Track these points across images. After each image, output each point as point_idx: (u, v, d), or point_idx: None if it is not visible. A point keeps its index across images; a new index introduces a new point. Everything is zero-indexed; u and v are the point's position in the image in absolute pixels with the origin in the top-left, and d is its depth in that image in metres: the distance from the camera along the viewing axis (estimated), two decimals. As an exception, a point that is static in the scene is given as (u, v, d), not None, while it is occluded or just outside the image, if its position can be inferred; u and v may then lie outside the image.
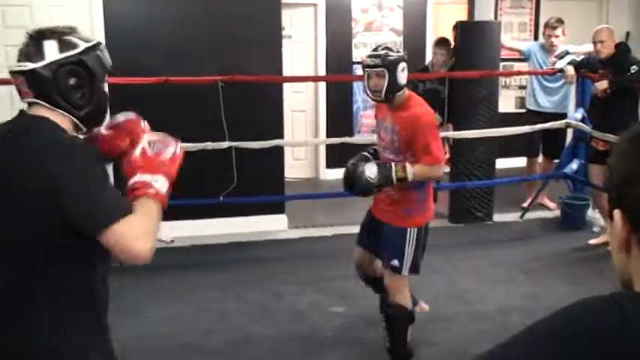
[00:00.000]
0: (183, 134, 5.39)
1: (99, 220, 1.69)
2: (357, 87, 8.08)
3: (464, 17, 6.64)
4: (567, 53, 6.03)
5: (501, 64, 6.66)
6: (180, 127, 5.31)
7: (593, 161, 5.64)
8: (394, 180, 3.35)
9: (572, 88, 6.31)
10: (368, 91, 3.47)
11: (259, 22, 5.78)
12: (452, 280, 4.98)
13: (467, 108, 6.07)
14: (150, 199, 1.81)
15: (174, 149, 1.94)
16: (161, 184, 1.85)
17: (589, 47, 5.88)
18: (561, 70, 5.92)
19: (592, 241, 5.68)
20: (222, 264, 5.32)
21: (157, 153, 1.90)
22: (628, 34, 7.79)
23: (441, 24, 7.93)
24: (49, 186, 1.69)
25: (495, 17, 7.75)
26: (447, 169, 6.45)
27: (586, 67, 5.75)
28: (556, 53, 6.20)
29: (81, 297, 1.86)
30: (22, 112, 1.87)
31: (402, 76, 3.39)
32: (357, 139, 7.59)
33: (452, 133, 6.17)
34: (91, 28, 5.55)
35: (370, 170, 3.36)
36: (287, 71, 7.05)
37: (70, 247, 1.79)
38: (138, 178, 1.84)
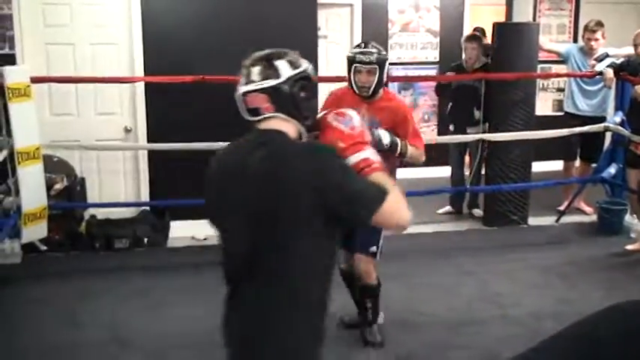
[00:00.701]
0: (219, 133, 5.45)
1: (371, 207, 1.84)
2: (393, 87, 8.04)
3: (501, 18, 6.58)
4: (607, 56, 5.95)
5: (539, 66, 6.57)
6: (217, 126, 5.41)
7: (631, 165, 5.55)
8: (399, 150, 3.61)
9: (612, 92, 6.21)
10: (355, 86, 3.66)
11: (295, 21, 5.80)
12: (485, 283, 4.94)
13: (503, 110, 6.01)
14: (378, 173, 1.99)
15: (357, 117, 2.14)
16: (373, 154, 2.06)
17: (629, 50, 5.79)
18: (600, 73, 5.84)
19: (629, 247, 5.59)
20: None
21: (352, 128, 2.08)
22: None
23: (477, 25, 7.85)
24: (319, 186, 1.81)
25: (534, 19, 7.66)
26: (483, 172, 6.41)
27: (626, 70, 5.66)
28: (595, 56, 6.12)
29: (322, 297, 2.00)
30: (257, 128, 2.01)
31: (386, 74, 3.72)
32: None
33: (488, 135, 6.11)
34: (129, 27, 5.63)
35: (383, 134, 3.55)
36: (322, 71, 7.06)
37: (326, 245, 1.93)
38: (356, 157, 2.02)
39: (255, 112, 2.00)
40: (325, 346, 2.03)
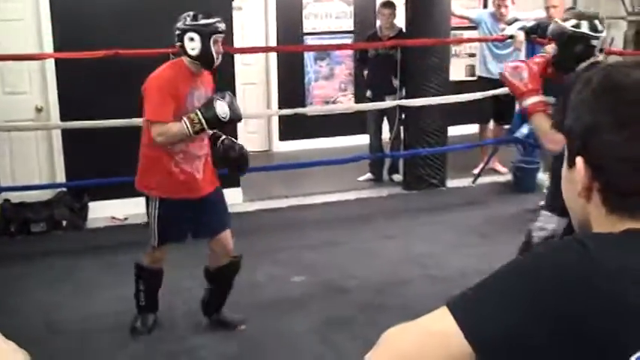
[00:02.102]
0: (134, 110, 5.33)
1: None
2: (309, 58, 8.05)
3: (412, -15, 6.65)
4: (516, 20, 6.11)
5: (451, 32, 6.70)
6: (131, 103, 5.29)
7: (543, 125, 5.74)
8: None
9: (522, 55, 6.39)
10: (214, 57, 3.46)
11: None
12: (408, 245, 5.04)
13: (419, 76, 6.10)
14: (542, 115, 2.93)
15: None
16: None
17: (539, 13, 5.96)
18: (512, 37, 5.99)
19: (543, 203, 5.79)
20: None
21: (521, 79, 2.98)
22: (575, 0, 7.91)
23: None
24: None
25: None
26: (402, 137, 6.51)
27: (536, 33, 5.83)
28: (505, 20, 6.28)
29: None
30: None
31: None
32: (310, 109, 7.62)
33: (405, 102, 6.20)
34: (35, 1, 5.40)
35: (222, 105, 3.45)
36: (237, 43, 6.97)
37: None
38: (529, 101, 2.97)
39: None
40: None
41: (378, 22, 6.59)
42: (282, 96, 7.96)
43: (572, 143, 1.04)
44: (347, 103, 8.08)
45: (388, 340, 0.98)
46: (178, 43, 3.49)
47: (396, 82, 6.35)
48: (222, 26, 3.50)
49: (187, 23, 3.47)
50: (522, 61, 3.69)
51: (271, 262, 4.74)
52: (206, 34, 3.42)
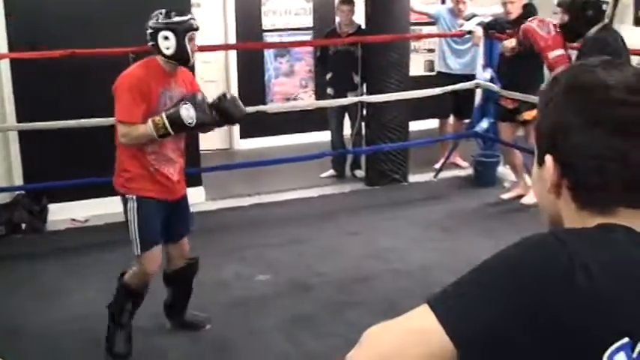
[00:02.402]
0: (92, 110, 5.26)
1: None
2: (269, 55, 8.02)
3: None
4: (474, 16, 6.18)
5: (410, 28, 6.73)
6: (90, 103, 5.22)
7: (502, 119, 5.82)
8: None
9: (481, 50, 6.46)
10: (190, 55, 3.41)
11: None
12: (372, 241, 5.07)
13: (379, 72, 6.13)
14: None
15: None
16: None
17: (496, 9, 6.03)
18: (470, 32, 6.06)
19: (504, 196, 5.89)
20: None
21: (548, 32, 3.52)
22: (529, -5, 8.03)
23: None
24: None
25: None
26: (363, 133, 6.53)
27: (494, 28, 5.90)
28: (463, 16, 6.35)
29: None
30: None
31: None
32: (271, 107, 7.59)
33: (366, 98, 6.23)
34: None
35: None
36: (196, 40, 6.91)
37: None
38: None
39: None
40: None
41: (337, 19, 6.60)
42: (243, 93, 7.88)
43: (542, 141, 1.06)
44: (308, 100, 8.07)
45: (369, 339, 0.99)
46: (151, 42, 3.40)
47: (357, 79, 6.37)
48: (196, 23, 3.44)
49: (160, 21, 3.36)
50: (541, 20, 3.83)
51: (236, 261, 4.72)
52: (180, 31, 3.33)
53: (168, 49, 3.33)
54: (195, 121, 3.31)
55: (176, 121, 3.29)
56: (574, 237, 0.97)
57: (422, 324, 0.94)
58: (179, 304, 3.86)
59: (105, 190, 5.49)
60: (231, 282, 4.43)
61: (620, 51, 3.94)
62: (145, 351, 3.67)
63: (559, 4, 3.58)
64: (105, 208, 5.57)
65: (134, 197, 3.47)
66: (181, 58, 3.38)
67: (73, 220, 5.58)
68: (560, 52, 3.08)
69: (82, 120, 5.01)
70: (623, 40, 4.12)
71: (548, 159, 1.03)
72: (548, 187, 1.05)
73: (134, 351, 3.63)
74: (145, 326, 3.91)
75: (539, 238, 0.99)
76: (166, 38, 3.33)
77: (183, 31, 3.34)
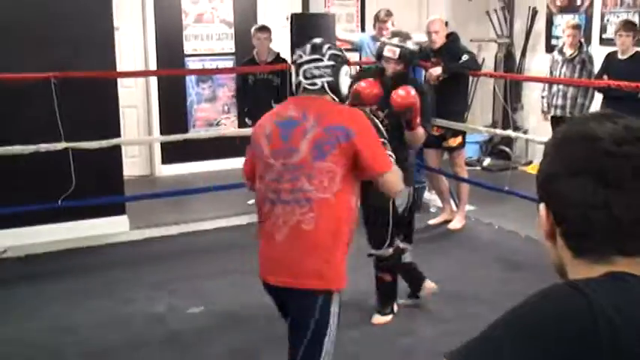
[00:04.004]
0: (12, 136, 5.05)
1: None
2: (190, 80, 7.92)
3: (294, 9, 6.69)
4: (398, 43, 6.26)
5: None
6: (9, 129, 5.00)
7: (428, 146, 5.88)
8: None
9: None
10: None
11: (89, 14, 5.48)
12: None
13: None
14: None
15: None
16: None
17: (419, 37, 6.14)
18: (395, 60, 6.14)
19: (431, 222, 5.98)
20: (63, 272, 4.99)
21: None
22: (447, 23, 8.24)
23: (270, 15, 7.94)
24: None
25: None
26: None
27: (418, 57, 5.99)
28: (387, 43, 6.44)
29: None
30: None
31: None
32: (193, 134, 7.47)
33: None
34: None
35: None
36: (117, 66, 6.76)
37: None
38: None
39: None
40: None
41: (255, 48, 6.57)
42: (164, 119, 7.78)
43: (538, 190, 1.10)
44: (230, 126, 8.00)
45: None
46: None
47: (275, 107, 6.33)
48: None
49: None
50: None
51: (168, 293, 4.59)
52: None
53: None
54: None
55: None
56: (593, 288, 0.97)
57: None
58: None
59: (25, 218, 5.29)
60: (164, 316, 4.30)
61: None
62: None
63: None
64: (25, 239, 5.35)
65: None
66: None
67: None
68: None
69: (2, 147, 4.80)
70: None
71: (542, 207, 1.07)
72: (544, 234, 1.08)
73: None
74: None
75: (560, 291, 0.99)
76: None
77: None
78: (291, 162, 2.58)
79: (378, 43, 6.35)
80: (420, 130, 3.93)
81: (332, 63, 2.69)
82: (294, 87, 2.80)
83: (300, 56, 2.73)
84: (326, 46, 2.73)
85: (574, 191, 1.01)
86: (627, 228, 1.00)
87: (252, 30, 6.64)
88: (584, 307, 0.93)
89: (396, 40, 3.97)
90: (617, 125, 1.02)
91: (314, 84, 2.69)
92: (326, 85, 2.69)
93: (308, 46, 2.74)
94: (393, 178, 2.71)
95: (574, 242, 1.05)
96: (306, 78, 2.69)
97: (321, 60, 2.68)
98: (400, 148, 3.69)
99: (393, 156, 2.88)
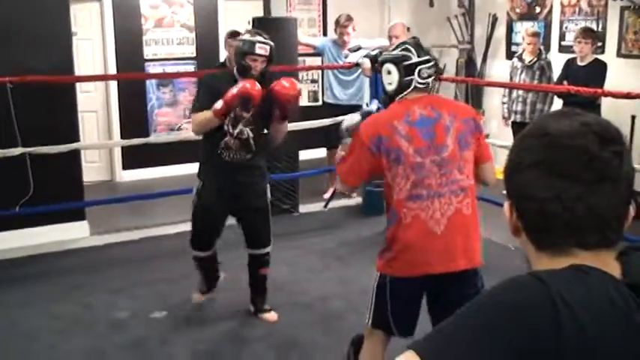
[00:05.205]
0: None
1: None
2: (151, 85, 7.85)
3: (255, 13, 6.69)
4: (360, 48, 6.31)
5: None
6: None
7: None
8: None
9: (367, 81, 6.61)
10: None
11: (46, 17, 5.41)
12: (269, 272, 5.00)
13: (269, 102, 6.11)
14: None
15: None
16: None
17: (380, 42, 6.20)
18: (357, 64, 6.18)
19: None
20: (23, 279, 4.90)
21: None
22: (408, 29, 8.32)
23: (231, 19, 7.92)
24: None
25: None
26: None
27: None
28: (348, 47, 6.49)
29: None
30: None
31: None
32: (154, 138, 7.40)
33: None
34: None
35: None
36: (75, 70, 6.66)
37: None
38: None
39: None
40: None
41: (227, 54, 6.54)
42: (125, 123, 7.70)
43: (505, 187, 1.12)
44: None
45: None
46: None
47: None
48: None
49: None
50: None
51: (130, 298, 4.53)
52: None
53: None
54: None
55: None
56: (554, 279, 0.99)
57: None
58: None
59: None
60: (126, 321, 4.24)
61: None
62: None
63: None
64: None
65: None
66: None
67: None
68: None
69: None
70: None
71: (506, 204, 1.10)
72: (511, 230, 1.11)
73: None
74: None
75: (521, 280, 1.00)
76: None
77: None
78: (442, 157, 2.76)
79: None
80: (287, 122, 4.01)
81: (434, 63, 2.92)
82: (391, 86, 2.93)
83: (409, 57, 2.86)
84: (427, 49, 2.97)
85: (529, 184, 1.03)
86: (581, 220, 1.01)
87: (225, 36, 6.60)
88: (545, 293, 0.95)
89: (263, 38, 3.80)
90: (574, 121, 1.05)
91: (426, 83, 2.88)
92: (430, 83, 2.92)
93: (411, 48, 2.89)
94: (494, 167, 2.97)
95: (535, 236, 1.07)
96: (421, 77, 2.85)
97: (430, 61, 2.89)
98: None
99: None
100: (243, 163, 3.92)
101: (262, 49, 3.78)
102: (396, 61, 2.89)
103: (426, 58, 2.89)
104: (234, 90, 3.66)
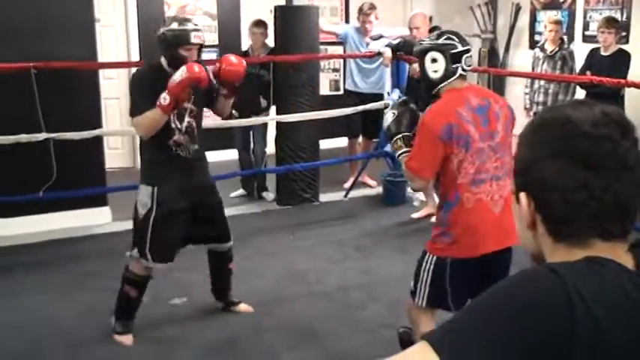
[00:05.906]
0: None
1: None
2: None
3: (277, 1, 6.67)
4: (381, 36, 6.28)
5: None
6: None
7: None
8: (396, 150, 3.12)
9: (388, 70, 6.58)
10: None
11: (69, 4, 5.44)
12: (288, 262, 5.03)
13: (289, 91, 6.12)
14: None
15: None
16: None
17: (402, 30, 6.16)
18: (379, 53, 6.16)
19: (414, 215, 5.99)
20: (45, 264, 4.96)
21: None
22: (431, 18, 8.26)
23: (254, 7, 7.91)
24: None
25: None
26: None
27: (402, 50, 6.02)
28: (370, 35, 6.47)
29: None
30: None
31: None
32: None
33: (276, 117, 6.20)
34: None
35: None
36: (99, 57, 6.69)
37: None
38: None
39: None
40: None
41: (250, 42, 6.54)
42: (147, 111, 7.72)
43: (516, 179, 1.11)
44: (213, 117, 7.94)
45: None
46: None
47: (264, 103, 6.32)
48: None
49: None
50: None
51: (150, 285, 4.54)
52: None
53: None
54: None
55: None
56: (569, 271, 0.98)
57: None
58: None
59: (7, 210, 5.25)
60: (146, 306, 4.25)
61: None
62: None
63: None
64: (7, 230, 5.31)
65: None
66: None
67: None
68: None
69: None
70: None
71: (522, 195, 1.08)
72: (526, 224, 1.09)
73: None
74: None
75: (536, 273, 1.00)
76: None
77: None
78: (495, 142, 2.89)
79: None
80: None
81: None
82: (437, 73, 2.92)
83: (455, 46, 2.93)
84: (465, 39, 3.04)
85: (553, 174, 1.02)
86: (607, 210, 1.00)
87: (249, 24, 6.60)
88: (560, 287, 0.95)
89: (193, 25, 3.60)
90: (593, 110, 1.04)
91: (466, 72, 2.96)
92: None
93: (454, 37, 2.96)
94: None
95: (554, 226, 1.06)
96: (467, 65, 2.95)
97: (470, 51, 2.99)
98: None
99: None
100: (196, 157, 3.74)
101: (197, 37, 3.55)
102: (443, 49, 2.93)
103: (468, 47, 2.98)
104: (177, 79, 3.38)
